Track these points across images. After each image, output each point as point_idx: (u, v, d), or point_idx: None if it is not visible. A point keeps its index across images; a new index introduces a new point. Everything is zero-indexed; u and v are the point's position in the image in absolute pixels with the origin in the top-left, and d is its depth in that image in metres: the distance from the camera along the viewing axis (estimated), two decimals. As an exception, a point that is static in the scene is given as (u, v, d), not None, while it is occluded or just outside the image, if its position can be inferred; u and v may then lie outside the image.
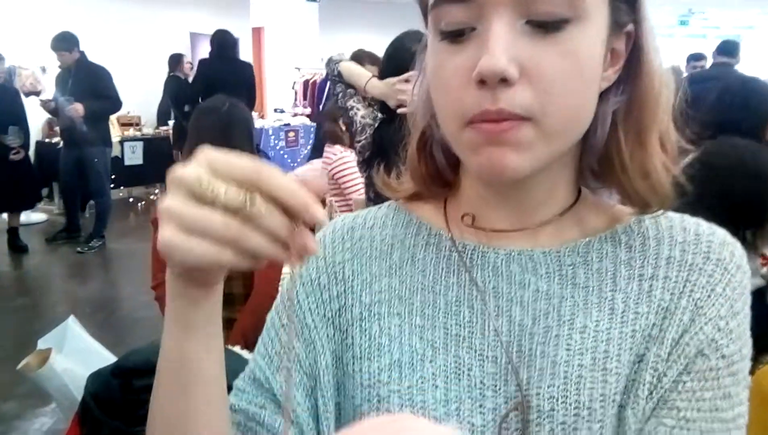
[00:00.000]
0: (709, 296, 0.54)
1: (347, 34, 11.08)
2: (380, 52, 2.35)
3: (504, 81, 0.47)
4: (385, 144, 2.05)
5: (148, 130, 8.13)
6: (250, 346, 1.64)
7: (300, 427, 0.59)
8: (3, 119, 5.34)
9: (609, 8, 0.51)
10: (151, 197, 7.75)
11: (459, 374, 0.56)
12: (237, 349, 1.58)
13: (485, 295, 0.58)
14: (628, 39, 0.54)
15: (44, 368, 1.74)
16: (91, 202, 6.26)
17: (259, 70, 9.70)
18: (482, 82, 0.48)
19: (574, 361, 0.54)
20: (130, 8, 8.80)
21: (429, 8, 0.52)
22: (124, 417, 1.33)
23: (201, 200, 0.41)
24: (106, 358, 1.87)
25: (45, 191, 6.83)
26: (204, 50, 7.53)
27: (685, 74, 5.28)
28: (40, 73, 6.04)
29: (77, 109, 5.32)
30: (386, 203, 0.69)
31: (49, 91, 5.74)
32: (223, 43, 5.83)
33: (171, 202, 0.41)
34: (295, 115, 8.92)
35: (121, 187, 7.59)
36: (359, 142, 2.24)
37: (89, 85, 5.44)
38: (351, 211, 2.20)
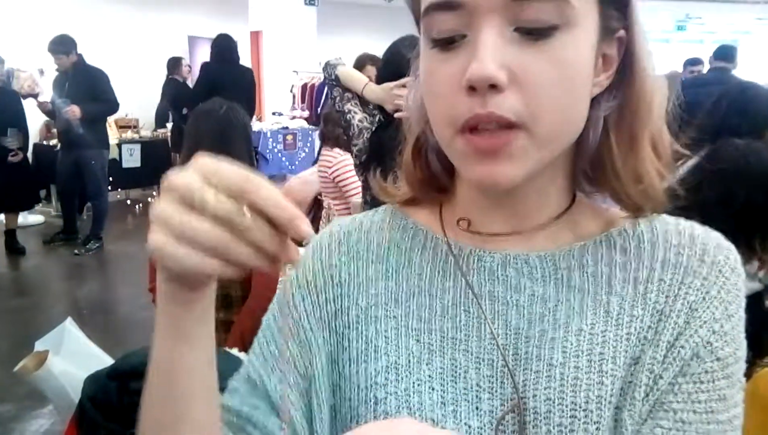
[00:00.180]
0: (703, 299, 0.55)
1: (345, 38, 11.10)
2: (378, 56, 2.35)
3: (493, 87, 0.48)
4: (381, 148, 2.05)
5: (146, 132, 8.13)
6: (248, 348, 1.63)
7: (293, 427, 0.59)
8: (2, 121, 5.33)
9: (599, 14, 0.51)
10: (149, 200, 7.74)
11: (455, 377, 0.57)
12: (235, 351, 1.58)
13: (481, 298, 0.58)
14: (620, 44, 0.54)
15: (41, 370, 1.73)
16: (89, 204, 6.25)
17: (258, 74, 9.68)
18: (472, 89, 0.48)
19: (569, 363, 0.54)
20: (128, 11, 8.82)
21: (421, 16, 0.52)
22: (120, 419, 1.33)
23: (191, 207, 0.41)
24: (103, 360, 1.87)
25: (42, 193, 6.81)
26: (202, 53, 7.54)
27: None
28: (38, 76, 6.02)
29: (74, 111, 5.32)
30: (383, 207, 0.69)
31: (47, 93, 5.74)
32: (226, 47, 5.82)
33: (162, 207, 0.42)
34: (293, 118, 8.93)
35: (119, 190, 7.59)
36: (356, 145, 2.24)
37: (87, 88, 5.43)
38: (350, 214, 2.20)
